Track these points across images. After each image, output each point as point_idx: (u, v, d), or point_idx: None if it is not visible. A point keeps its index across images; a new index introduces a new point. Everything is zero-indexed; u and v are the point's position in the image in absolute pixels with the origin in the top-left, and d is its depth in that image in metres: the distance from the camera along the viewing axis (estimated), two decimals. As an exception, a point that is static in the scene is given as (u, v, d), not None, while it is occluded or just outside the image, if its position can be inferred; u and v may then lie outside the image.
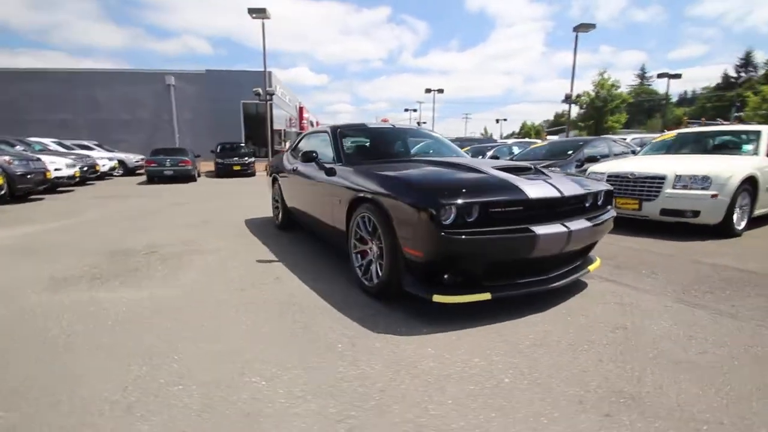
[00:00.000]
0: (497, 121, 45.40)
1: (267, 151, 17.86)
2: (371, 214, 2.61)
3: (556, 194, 2.40)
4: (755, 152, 4.89)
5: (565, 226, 2.35)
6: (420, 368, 1.83)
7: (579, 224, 2.43)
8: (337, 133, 3.73)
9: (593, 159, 7.18)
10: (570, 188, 2.52)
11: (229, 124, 20.45)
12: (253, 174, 15.61)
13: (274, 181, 5.29)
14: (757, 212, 4.70)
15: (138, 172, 16.07)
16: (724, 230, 4.41)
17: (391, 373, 1.80)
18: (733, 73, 63.11)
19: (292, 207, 4.61)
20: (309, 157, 3.55)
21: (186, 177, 13.04)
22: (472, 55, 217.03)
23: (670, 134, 6.23)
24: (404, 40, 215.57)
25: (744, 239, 4.37)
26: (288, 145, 20.09)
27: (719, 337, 2.12)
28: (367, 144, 3.99)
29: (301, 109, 27.39)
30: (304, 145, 4.63)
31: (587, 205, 2.65)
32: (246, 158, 15.40)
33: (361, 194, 2.77)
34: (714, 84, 65.23)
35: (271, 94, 17.07)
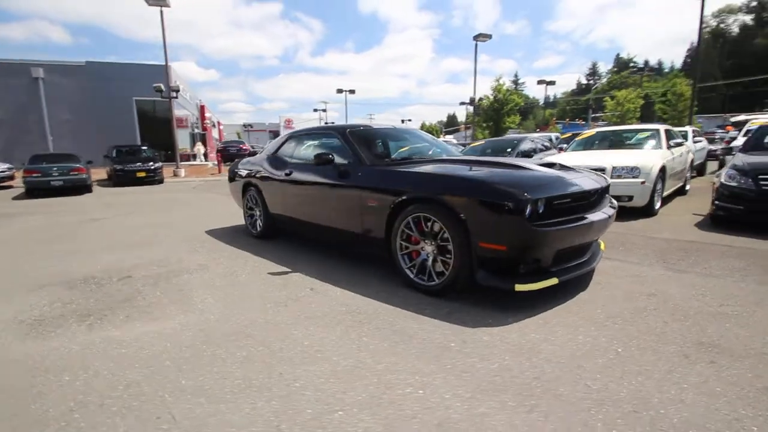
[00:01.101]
0: (402, 121, 47.44)
1: (174, 154, 15.88)
2: (431, 214, 2.64)
3: (599, 185, 2.76)
4: (659, 146, 6.11)
5: (605, 213, 2.71)
6: (545, 353, 1.97)
7: (609, 211, 2.83)
8: (349, 134, 3.63)
9: (528, 155, 8.13)
10: (600, 180, 2.91)
11: (119, 124, 17.66)
12: (161, 181, 13.82)
13: (247, 187, 4.86)
14: (665, 194, 5.90)
15: (3, 185, 12.94)
16: (648, 210, 5.43)
17: (525, 361, 1.90)
18: (584, 81, 75.94)
19: (281, 214, 4.31)
20: (325, 160, 3.39)
21: (80, 188, 10.98)
22: (369, 57, 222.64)
23: (589, 132, 7.39)
24: (300, 38, 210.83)
25: (662, 216, 5.45)
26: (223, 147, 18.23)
27: (722, 292, 2.69)
28: (379, 145, 3.94)
29: (202, 108, 24.95)
30: (293, 149, 4.37)
31: (607, 194, 3.09)
32: (151, 163, 13.54)
33: (409, 196, 2.78)
34: (570, 90, 77.81)
35: (176, 91, 15.21)
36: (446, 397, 1.64)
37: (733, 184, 4.46)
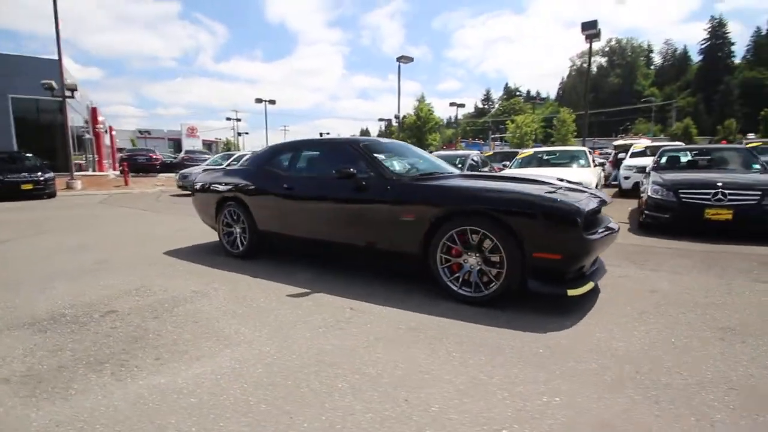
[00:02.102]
0: (321, 134, 47.01)
1: (68, 163, 13.34)
2: (479, 227, 2.74)
3: (605, 199, 3.18)
4: (588, 164, 7.15)
5: (615, 224, 3.13)
6: (621, 350, 2.18)
7: (614, 223, 3.26)
8: (365, 148, 3.57)
9: (475, 169, 8.78)
10: (603, 195, 3.34)
11: (-14, 126, 14.32)
12: (53, 195, 11.60)
13: (224, 202, 4.41)
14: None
15: None
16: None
17: (613, 358, 2.09)
18: (480, 105, 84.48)
19: (277, 232, 4.01)
20: (347, 173, 3.28)
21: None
22: (279, 67, 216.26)
23: (528, 152, 8.30)
24: (202, 41, 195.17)
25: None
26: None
27: (698, 286, 3.27)
28: (393, 159, 3.91)
29: (94, 111, 21.56)
30: (289, 161, 4.11)
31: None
32: (39, 173, 11.30)
33: (455, 210, 2.86)
34: (469, 112, 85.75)
35: (73, 90, 12.85)
36: (580, 400, 1.73)
37: (659, 197, 5.44)
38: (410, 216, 3.06)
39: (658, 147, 8.95)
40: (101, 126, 21.97)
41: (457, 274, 2.93)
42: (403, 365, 2.06)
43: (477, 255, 2.82)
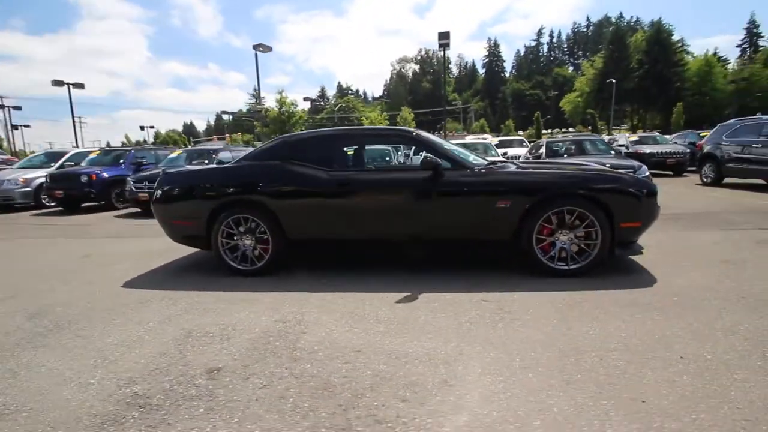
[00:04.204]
0: (142, 128, 39.16)
1: None
2: (580, 207, 3.09)
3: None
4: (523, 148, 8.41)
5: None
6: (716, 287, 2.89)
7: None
8: (424, 137, 3.49)
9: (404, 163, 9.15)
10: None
11: None
12: None
13: (226, 209, 3.50)
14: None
15: None
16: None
17: (702, 314, 2.76)
18: (314, 98, 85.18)
19: (321, 237, 3.50)
20: (434, 164, 3.14)
21: None
22: (54, 43, 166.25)
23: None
24: None
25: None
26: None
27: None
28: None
29: None
30: (329, 153, 3.57)
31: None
32: None
33: (553, 194, 3.14)
34: (307, 108, 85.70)
35: None
36: (727, 357, 2.19)
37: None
38: (506, 203, 3.17)
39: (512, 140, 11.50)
40: None
41: (551, 253, 3.21)
42: (612, 345, 2.24)
43: (570, 231, 3.17)
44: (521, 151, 11.64)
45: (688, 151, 11.94)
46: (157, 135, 59.91)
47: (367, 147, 4.07)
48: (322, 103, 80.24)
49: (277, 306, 2.85)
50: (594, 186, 3.14)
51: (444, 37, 16.05)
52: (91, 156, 10.11)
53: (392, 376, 1.91)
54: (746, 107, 37.47)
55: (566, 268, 3.19)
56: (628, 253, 3.28)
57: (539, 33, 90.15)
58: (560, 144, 8.84)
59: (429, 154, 3.26)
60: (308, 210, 3.45)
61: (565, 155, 8.31)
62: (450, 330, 2.38)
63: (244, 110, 75.98)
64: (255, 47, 19.86)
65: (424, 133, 3.72)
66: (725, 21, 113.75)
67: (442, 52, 17.66)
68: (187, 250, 4.35)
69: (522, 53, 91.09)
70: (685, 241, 4.32)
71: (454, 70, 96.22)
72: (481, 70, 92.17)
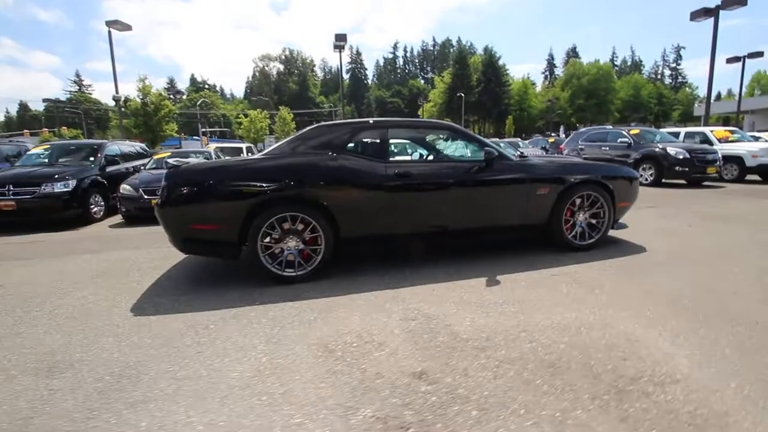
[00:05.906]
0: None
1: None
2: (594, 191, 3.74)
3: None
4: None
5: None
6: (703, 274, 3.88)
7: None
8: (467, 132, 3.68)
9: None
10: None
11: None
12: None
13: (266, 208, 3.04)
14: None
15: None
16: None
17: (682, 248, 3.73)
18: (164, 94, 74.86)
19: (377, 234, 3.35)
20: (493, 157, 3.39)
21: None
22: None
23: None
24: None
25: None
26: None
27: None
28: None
29: None
30: (378, 146, 3.40)
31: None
32: None
33: (581, 180, 3.70)
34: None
35: None
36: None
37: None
38: (546, 190, 3.62)
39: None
40: None
41: (573, 232, 3.80)
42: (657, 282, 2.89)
43: (584, 212, 3.81)
44: None
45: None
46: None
47: (396, 140, 4.01)
48: (172, 97, 70.78)
49: (382, 305, 2.66)
50: (608, 174, 3.86)
51: (341, 39, 16.22)
52: None
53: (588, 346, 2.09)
54: (550, 122, 49.55)
55: (584, 243, 3.82)
56: (620, 226, 4.15)
57: (395, 47, 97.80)
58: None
59: (489, 147, 3.48)
60: (366, 205, 3.26)
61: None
62: (569, 301, 2.65)
63: (65, 99, 61.43)
64: (109, 23, 16.30)
65: (462, 128, 3.93)
66: (532, 51, 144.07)
67: (338, 53, 17.69)
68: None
69: (381, 64, 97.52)
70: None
71: (319, 73, 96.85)
72: (346, 75, 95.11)
